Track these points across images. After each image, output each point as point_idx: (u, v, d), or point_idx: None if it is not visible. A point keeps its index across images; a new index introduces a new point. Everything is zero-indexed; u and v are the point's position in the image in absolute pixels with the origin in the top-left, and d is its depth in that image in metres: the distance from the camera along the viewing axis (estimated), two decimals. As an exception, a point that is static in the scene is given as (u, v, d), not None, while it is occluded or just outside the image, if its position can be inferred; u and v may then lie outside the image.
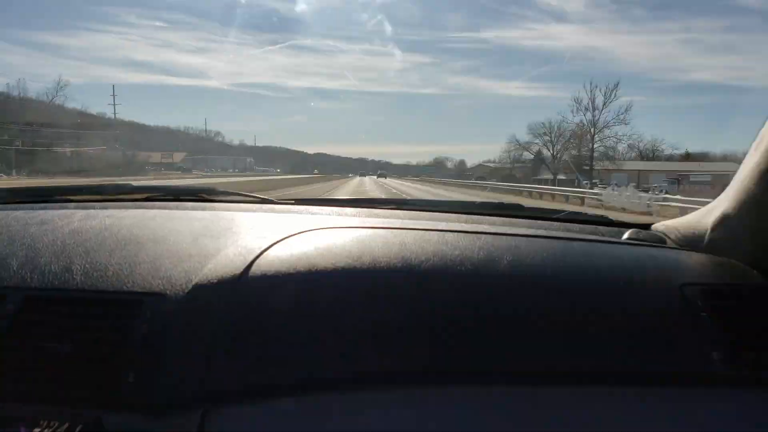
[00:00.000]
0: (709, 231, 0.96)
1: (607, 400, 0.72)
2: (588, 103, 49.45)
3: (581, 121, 49.12)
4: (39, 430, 0.66)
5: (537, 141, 56.62)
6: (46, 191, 1.41)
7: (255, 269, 0.80)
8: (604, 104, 47.30)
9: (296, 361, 0.72)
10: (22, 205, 1.23)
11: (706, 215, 0.99)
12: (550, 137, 55.82)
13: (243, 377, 0.71)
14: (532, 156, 57.69)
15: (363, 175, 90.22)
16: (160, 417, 0.69)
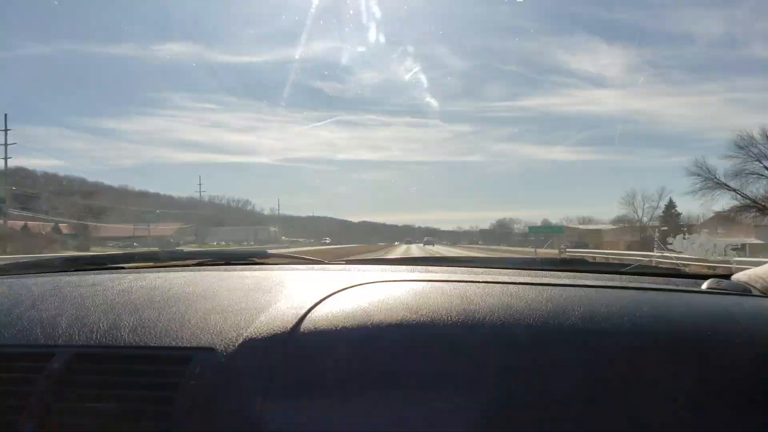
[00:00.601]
0: None
1: None
2: None
3: None
4: None
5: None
6: (99, 259, 1.43)
7: (308, 322, 0.76)
8: None
9: (354, 417, 0.66)
10: (76, 273, 1.25)
11: None
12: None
13: None
14: (741, 199, 27.91)
15: (409, 242, 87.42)
16: None
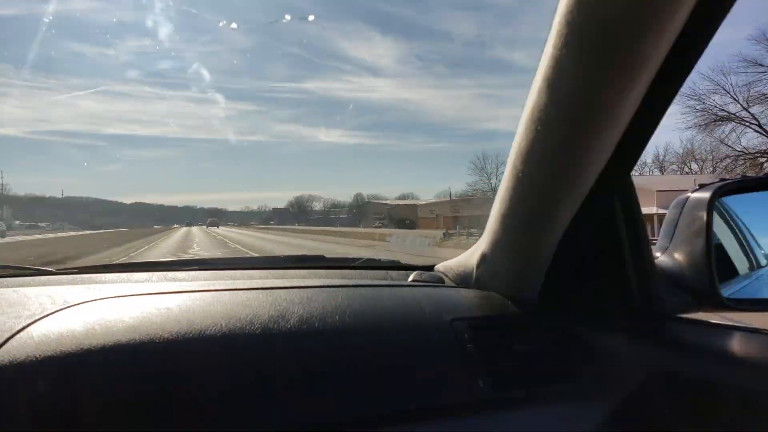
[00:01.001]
0: (474, 269, 1.06)
1: None
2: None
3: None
4: None
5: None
6: None
7: (3, 355, 0.68)
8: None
9: None
10: None
11: (472, 255, 1.08)
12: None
13: None
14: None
15: (190, 224, 78.46)
16: None
